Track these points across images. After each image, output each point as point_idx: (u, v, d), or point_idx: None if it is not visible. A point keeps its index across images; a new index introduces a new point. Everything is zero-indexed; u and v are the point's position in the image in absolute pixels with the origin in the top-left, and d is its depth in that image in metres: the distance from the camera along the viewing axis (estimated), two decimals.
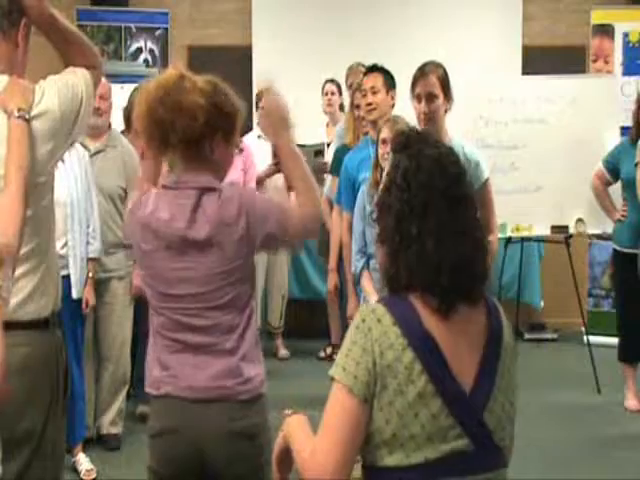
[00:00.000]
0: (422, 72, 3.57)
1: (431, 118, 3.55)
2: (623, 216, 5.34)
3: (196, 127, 2.26)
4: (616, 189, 5.50)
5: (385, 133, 3.96)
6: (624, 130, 5.92)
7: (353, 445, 1.68)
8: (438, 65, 3.60)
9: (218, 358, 2.31)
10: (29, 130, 2.10)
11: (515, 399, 1.81)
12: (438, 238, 1.71)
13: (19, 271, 2.10)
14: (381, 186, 1.83)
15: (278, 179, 6.13)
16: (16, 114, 2.09)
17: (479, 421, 1.72)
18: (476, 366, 1.73)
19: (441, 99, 3.55)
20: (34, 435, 2.20)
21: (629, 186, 5.24)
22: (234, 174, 5.80)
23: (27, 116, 2.10)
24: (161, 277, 2.34)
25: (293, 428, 1.85)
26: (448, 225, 1.72)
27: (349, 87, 5.90)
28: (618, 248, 5.41)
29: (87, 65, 2.33)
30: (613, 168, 5.39)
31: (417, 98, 3.57)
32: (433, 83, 3.53)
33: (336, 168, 4.80)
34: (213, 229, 2.27)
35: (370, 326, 1.69)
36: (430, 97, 3.53)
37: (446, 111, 3.59)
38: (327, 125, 6.51)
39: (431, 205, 1.72)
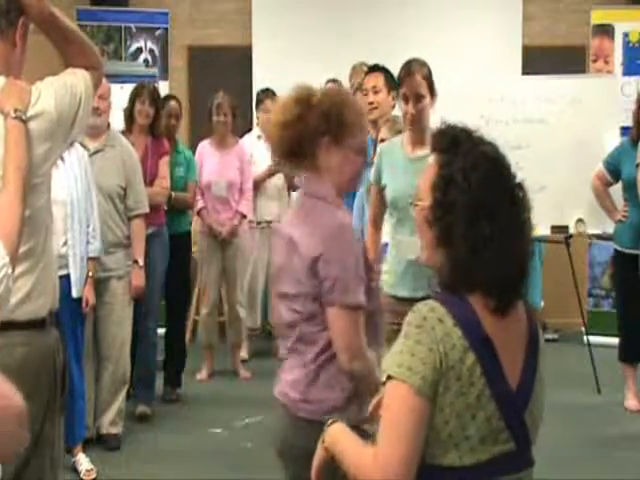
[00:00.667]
0: (407, 71, 3.56)
1: (418, 118, 3.54)
2: (624, 216, 5.34)
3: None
4: (616, 190, 5.50)
5: (384, 133, 3.96)
6: (624, 130, 5.91)
7: (419, 446, 1.66)
8: (422, 63, 3.59)
9: (299, 367, 2.38)
10: (26, 131, 2.10)
11: (545, 399, 1.83)
12: (508, 237, 1.68)
13: (17, 271, 2.09)
14: (424, 187, 1.76)
15: (278, 179, 6.13)
16: (13, 115, 2.09)
17: (521, 421, 1.75)
18: (520, 366, 1.76)
19: (428, 99, 3.55)
20: (32, 434, 2.20)
21: (630, 187, 5.24)
22: (230, 173, 5.82)
23: (24, 117, 2.10)
24: None
25: (338, 437, 1.83)
26: (512, 223, 1.71)
27: (351, 87, 5.89)
28: (619, 248, 5.41)
29: (87, 65, 2.33)
30: (614, 169, 5.39)
31: (404, 98, 3.57)
32: (420, 83, 3.53)
33: None
34: None
35: (433, 325, 1.66)
36: (417, 98, 3.52)
37: (431, 107, 3.59)
38: None
39: (497, 204, 1.70)
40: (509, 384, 1.72)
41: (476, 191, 1.69)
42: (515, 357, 1.75)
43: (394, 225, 3.60)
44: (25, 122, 2.10)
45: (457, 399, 1.65)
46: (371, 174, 3.70)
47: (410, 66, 3.58)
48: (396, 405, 1.65)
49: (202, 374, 6.00)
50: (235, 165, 5.88)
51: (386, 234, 3.78)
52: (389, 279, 3.60)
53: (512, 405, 1.72)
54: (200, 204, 5.83)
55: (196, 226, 6.00)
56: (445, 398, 1.65)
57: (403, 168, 3.56)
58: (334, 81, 6.30)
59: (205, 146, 5.96)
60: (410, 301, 3.46)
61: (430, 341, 1.65)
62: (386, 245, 3.74)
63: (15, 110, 2.09)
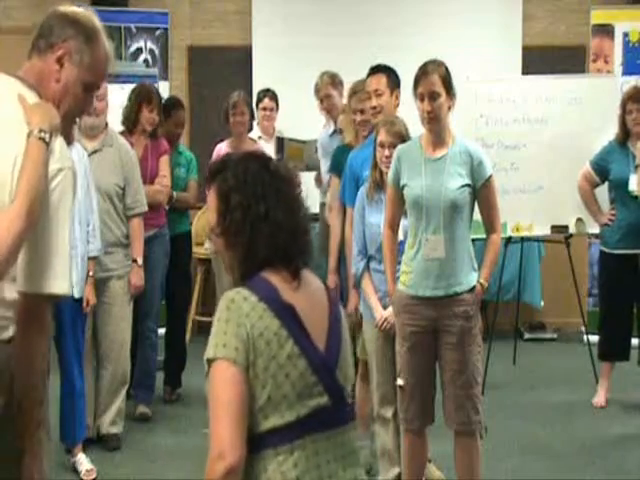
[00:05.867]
0: (424, 71, 3.58)
1: (435, 117, 3.56)
2: (611, 220, 5.35)
3: None
4: (600, 192, 5.50)
5: (382, 136, 3.96)
6: None
7: (244, 417, 1.84)
8: (439, 64, 3.61)
9: None
10: (46, 152, 2.04)
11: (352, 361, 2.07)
12: (280, 214, 1.96)
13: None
14: (211, 217, 2.02)
15: None
16: (36, 134, 2.03)
17: (333, 378, 1.95)
18: (325, 330, 1.97)
19: (443, 97, 3.55)
20: None
21: (619, 186, 5.29)
22: None
23: (47, 139, 2.04)
24: None
25: None
26: (282, 201, 1.97)
27: (320, 100, 5.90)
28: (606, 250, 5.43)
29: None
30: (601, 169, 5.41)
31: (420, 97, 3.58)
32: (435, 82, 3.54)
33: (336, 167, 4.79)
34: None
35: (239, 305, 1.88)
36: (432, 96, 3.53)
37: (449, 108, 3.60)
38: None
39: (267, 189, 1.96)
40: (316, 344, 1.93)
41: (250, 183, 1.96)
42: (319, 322, 1.97)
43: (414, 224, 3.62)
44: (47, 144, 2.04)
45: (270, 362, 1.86)
46: (389, 176, 3.73)
47: (426, 66, 3.59)
48: (218, 382, 1.86)
49: None
50: None
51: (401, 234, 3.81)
52: (408, 279, 3.62)
53: (322, 363, 1.92)
54: None
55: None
56: (258, 364, 1.85)
57: (423, 168, 3.59)
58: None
59: (223, 148, 5.74)
60: (431, 300, 3.52)
61: (237, 317, 1.86)
62: (401, 244, 3.75)
63: (40, 130, 2.04)
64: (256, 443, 1.86)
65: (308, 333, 1.92)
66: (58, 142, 2.09)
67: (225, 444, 1.81)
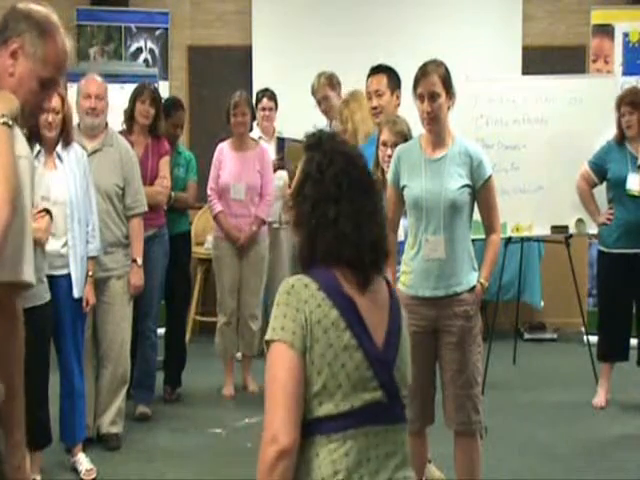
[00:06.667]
0: (423, 72, 3.58)
1: (434, 117, 3.56)
2: (609, 220, 5.36)
3: None
4: (599, 192, 5.50)
5: (385, 135, 3.96)
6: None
7: (299, 401, 1.84)
8: (439, 64, 3.61)
9: None
10: (12, 135, 2.02)
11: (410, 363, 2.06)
12: (356, 220, 1.94)
13: None
14: (295, 180, 2.03)
15: (279, 179, 6.12)
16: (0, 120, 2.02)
17: (390, 375, 1.95)
18: (385, 328, 1.97)
19: (443, 97, 3.55)
20: None
21: (617, 186, 5.30)
22: (250, 176, 5.66)
23: (10, 122, 2.03)
24: None
25: None
26: (358, 209, 1.96)
27: (317, 102, 5.90)
28: (604, 249, 5.43)
29: None
30: (599, 169, 5.41)
31: (420, 98, 3.58)
32: (435, 82, 3.54)
33: None
34: None
35: (299, 290, 1.90)
36: (432, 96, 3.53)
37: (449, 108, 3.60)
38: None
39: (345, 194, 1.95)
40: (375, 340, 1.94)
41: (327, 181, 1.95)
42: (379, 320, 1.97)
43: (414, 225, 3.62)
44: (11, 127, 2.03)
45: (326, 350, 1.87)
46: (388, 177, 3.73)
47: (426, 67, 3.59)
48: (275, 364, 1.86)
49: (227, 389, 5.71)
50: (255, 168, 5.62)
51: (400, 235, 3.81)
52: (408, 279, 3.62)
53: (379, 358, 1.93)
54: (218, 208, 5.60)
55: (212, 230, 5.89)
56: (315, 350, 1.86)
57: (423, 169, 3.59)
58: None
59: (224, 148, 5.70)
60: (431, 300, 3.52)
61: (297, 302, 1.88)
62: (401, 244, 3.75)
63: (2, 115, 2.02)
64: (310, 429, 1.87)
65: (367, 328, 1.92)
66: (16, 130, 2.09)
67: (278, 427, 1.80)
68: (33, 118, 2.34)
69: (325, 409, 1.86)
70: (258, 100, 6.29)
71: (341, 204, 1.93)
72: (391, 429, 1.95)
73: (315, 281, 1.91)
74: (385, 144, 3.93)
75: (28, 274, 2.06)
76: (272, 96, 6.23)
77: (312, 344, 1.85)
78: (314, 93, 5.90)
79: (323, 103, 5.86)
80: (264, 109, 6.22)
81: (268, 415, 1.83)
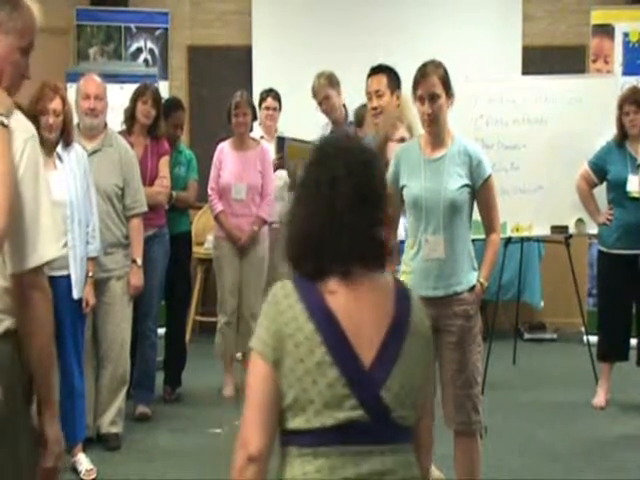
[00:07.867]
0: (423, 73, 3.58)
1: (434, 118, 3.56)
2: (609, 219, 5.36)
3: None
4: (598, 193, 5.50)
5: (402, 132, 3.98)
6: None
7: (269, 410, 1.84)
8: (438, 65, 3.61)
9: None
10: (8, 136, 2.01)
11: (421, 385, 1.93)
12: (313, 228, 1.90)
13: None
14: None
15: (279, 179, 6.12)
16: None
17: (376, 396, 1.83)
18: (379, 342, 1.86)
19: (443, 98, 3.56)
20: None
21: (617, 187, 5.30)
22: (251, 176, 5.67)
23: (5, 121, 2.02)
24: None
25: None
26: (320, 206, 1.89)
27: (318, 102, 5.89)
28: (605, 250, 5.43)
29: None
30: (599, 169, 5.41)
31: (420, 100, 3.59)
32: (434, 83, 3.55)
33: None
34: None
35: (279, 300, 1.87)
36: (433, 97, 3.54)
37: (448, 108, 3.61)
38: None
39: (315, 192, 1.90)
40: (357, 356, 1.83)
41: (312, 181, 1.90)
42: (371, 333, 1.85)
43: (414, 225, 3.63)
44: (6, 127, 2.01)
45: (296, 365, 1.82)
46: (388, 177, 3.72)
47: (425, 68, 3.59)
48: (250, 372, 1.88)
49: (227, 390, 5.70)
50: (256, 167, 5.63)
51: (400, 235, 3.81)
52: (407, 279, 3.60)
53: (362, 376, 1.82)
54: (219, 207, 5.60)
55: (213, 229, 5.88)
56: (285, 364, 1.82)
57: (422, 169, 3.60)
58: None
59: (224, 147, 5.71)
60: (431, 300, 3.51)
61: (274, 312, 1.86)
62: (401, 244, 3.75)
63: None
64: (284, 438, 1.88)
65: (349, 343, 1.82)
66: (14, 118, 2.09)
67: (248, 433, 1.83)
68: (18, 89, 2.33)
69: (296, 422, 1.83)
70: (262, 99, 6.29)
71: (309, 204, 1.91)
72: (377, 450, 1.83)
73: (297, 291, 1.86)
74: (403, 141, 3.96)
75: (50, 250, 2.09)
76: (277, 96, 6.24)
77: (283, 357, 1.82)
78: (315, 95, 5.90)
79: (324, 103, 5.85)
80: (268, 108, 6.21)
81: (242, 420, 1.86)
